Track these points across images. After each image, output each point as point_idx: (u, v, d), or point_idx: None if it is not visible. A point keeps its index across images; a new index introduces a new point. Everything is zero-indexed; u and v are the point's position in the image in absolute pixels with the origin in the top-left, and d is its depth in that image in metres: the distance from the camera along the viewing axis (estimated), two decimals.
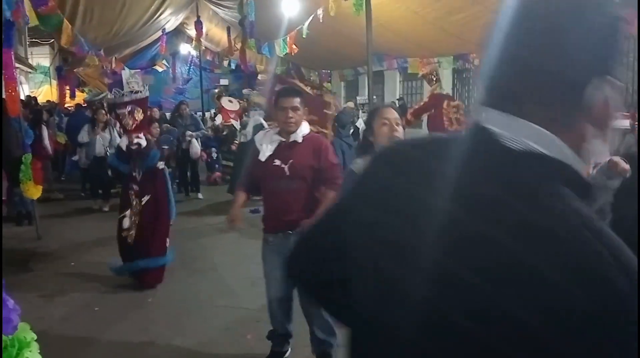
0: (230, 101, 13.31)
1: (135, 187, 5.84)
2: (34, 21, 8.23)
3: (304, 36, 10.71)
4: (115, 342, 4.66)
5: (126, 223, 5.78)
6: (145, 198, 5.77)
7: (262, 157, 3.72)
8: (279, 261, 3.24)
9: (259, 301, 5.48)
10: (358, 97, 17.68)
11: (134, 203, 5.79)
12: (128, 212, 5.80)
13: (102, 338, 4.73)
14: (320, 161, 3.74)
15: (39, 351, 1.85)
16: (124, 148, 5.92)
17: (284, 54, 13.11)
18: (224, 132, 12.49)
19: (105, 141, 9.95)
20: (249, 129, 9.67)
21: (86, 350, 4.52)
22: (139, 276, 5.79)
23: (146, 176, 5.83)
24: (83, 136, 10.14)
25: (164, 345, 4.60)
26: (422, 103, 9.96)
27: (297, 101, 3.72)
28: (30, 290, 5.57)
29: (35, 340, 1.85)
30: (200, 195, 10.99)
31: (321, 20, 9.78)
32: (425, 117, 9.71)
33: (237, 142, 10.89)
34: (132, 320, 5.09)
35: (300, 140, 3.75)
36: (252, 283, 6.08)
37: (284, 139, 3.75)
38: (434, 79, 9.92)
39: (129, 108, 5.75)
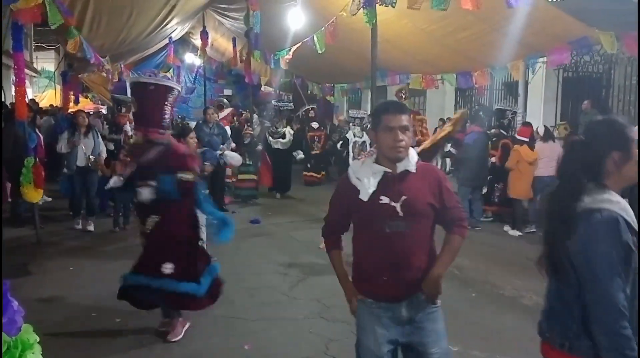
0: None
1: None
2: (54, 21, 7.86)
3: (319, 51, 10.62)
4: (112, 347, 4.66)
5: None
6: (152, 219, 4.76)
7: (364, 195, 2.81)
8: (389, 335, 2.82)
9: (257, 312, 5.51)
10: (350, 111, 18.01)
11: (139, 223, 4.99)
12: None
13: (99, 343, 4.73)
14: (442, 197, 2.89)
15: (41, 353, 1.86)
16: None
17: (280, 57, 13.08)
18: (246, 142, 11.85)
19: (89, 148, 8.64)
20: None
21: (83, 355, 4.52)
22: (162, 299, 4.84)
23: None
24: (62, 146, 8.67)
25: (160, 352, 4.60)
26: None
27: (406, 118, 2.83)
28: (29, 294, 5.57)
29: (38, 343, 1.86)
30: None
31: (336, 35, 9.71)
32: None
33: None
34: (130, 327, 5.08)
35: (413, 169, 2.86)
36: (250, 293, 6.10)
37: (389, 170, 2.83)
38: (403, 96, 11.34)
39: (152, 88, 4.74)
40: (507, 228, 9.34)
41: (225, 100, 17.96)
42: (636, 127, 4.21)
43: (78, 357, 4.48)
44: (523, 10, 7.78)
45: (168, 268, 4.60)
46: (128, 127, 9.07)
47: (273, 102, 19.39)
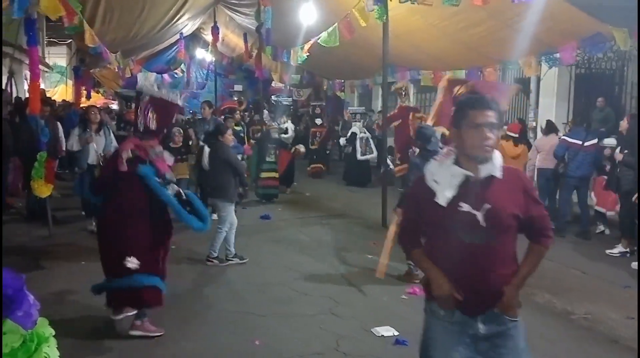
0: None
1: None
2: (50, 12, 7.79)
3: (325, 45, 10.64)
4: (122, 342, 4.68)
5: None
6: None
7: (442, 199, 2.57)
8: (464, 352, 2.58)
9: (267, 308, 5.52)
10: (350, 108, 18.24)
11: None
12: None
13: (110, 338, 4.76)
14: (528, 207, 2.61)
15: (56, 346, 1.88)
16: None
17: (301, 62, 13.12)
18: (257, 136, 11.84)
19: (100, 146, 8.35)
20: None
21: (94, 349, 4.56)
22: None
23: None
24: (73, 144, 8.37)
25: (171, 347, 4.63)
26: (391, 113, 11.60)
27: (493, 114, 2.58)
28: (41, 288, 5.59)
29: (54, 336, 1.88)
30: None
31: (353, 31, 9.68)
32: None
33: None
34: None
35: (499, 174, 2.59)
36: (260, 289, 6.11)
37: (471, 174, 2.58)
38: (404, 93, 11.96)
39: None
40: None
41: (242, 97, 18.09)
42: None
43: (89, 351, 4.51)
44: (535, 7, 7.73)
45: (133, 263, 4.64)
46: None
47: (272, 98, 19.49)
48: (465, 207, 2.54)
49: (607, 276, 6.85)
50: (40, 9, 7.13)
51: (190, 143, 9.59)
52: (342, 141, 15.21)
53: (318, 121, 15.72)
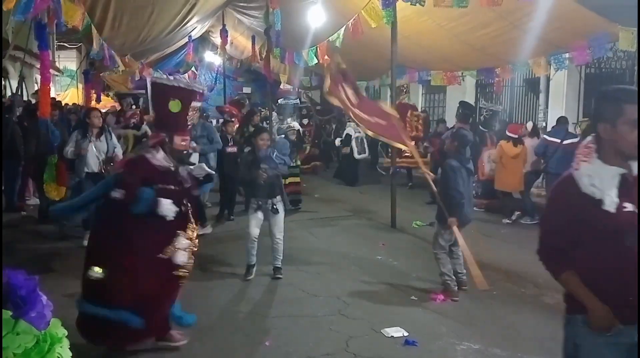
0: None
1: None
2: (71, 21, 7.74)
3: (338, 45, 10.74)
4: None
5: None
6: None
7: (611, 204, 2.38)
8: None
9: (277, 309, 5.54)
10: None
11: None
12: None
13: None
14: None
15: (69, 347, 1.90)
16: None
17: (314, 64, 13.17)
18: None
19: (102, 152, 7.62)
20: None
21: (106, 351, 4.57)
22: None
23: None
24: (68, 150, 7.55)
25: (181, 349, 4.63)
26: None
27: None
28: (52, 290, 5.60)
29: (66, 337, 1.90)
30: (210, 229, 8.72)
31: (361, 31, 9.75)
32: None
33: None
34: None
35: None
36: (270, 290, 6.13)
37: (626, 171, 2.44)
38: (404, 90, 12.82)
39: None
40: (505, 220, 9.86)
41: (245, 98, 18.08)
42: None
43: (101, 352, 4.53)
44: (544, 7, 7.70)
45: None
46: (147, 127, 9.01)
47: (279, 101, 19.55)
48: (629, 207, 2.39)
49: None
50: (66, 21, 7.27)
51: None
52: (338, 141, 15.30)
53: (305, 121, 16.20)
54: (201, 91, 4.69)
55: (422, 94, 17.93)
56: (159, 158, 4.42)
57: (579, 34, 8.74)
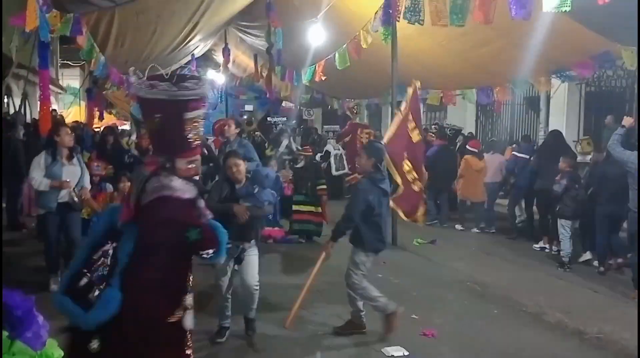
0: None
1: None
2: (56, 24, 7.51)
3: (339, 68, 11.08)
4: None
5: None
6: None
7: None
8: None
9: (275, 328, 5.51)
10: (325, 126, 19.74)
11: None
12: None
13: None
14: None
15: None
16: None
17: (308, 80, 13.34)
18: (298, 166, 10.02)
19: (73, 178, 6.29)
20: None
21: None
22: None
23: None
24: (41, 181, 6.10)
25: None
26: (342, 130, 14.41)
27: None
28: (50, 309, 5.59)
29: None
30: None
31: (364, 45, 9.97)
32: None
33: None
34: None
35: None
36: (270, 309, 6.10)
37: None
38: (355, 111, 14.43)
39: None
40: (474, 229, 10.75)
41: (252, 117, 18.16)
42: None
43: None
44: (543, 25, 7.73)
45: None
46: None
47: (268, 119, 19.67)
48: None
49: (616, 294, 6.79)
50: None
51: None
52: (318, 156, 15.32)
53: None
54: (196, 97, 3.25)
55: (423, 111, 17.98)
56: (179, 186, 3.17)
57: (580, 52, 8.79)
